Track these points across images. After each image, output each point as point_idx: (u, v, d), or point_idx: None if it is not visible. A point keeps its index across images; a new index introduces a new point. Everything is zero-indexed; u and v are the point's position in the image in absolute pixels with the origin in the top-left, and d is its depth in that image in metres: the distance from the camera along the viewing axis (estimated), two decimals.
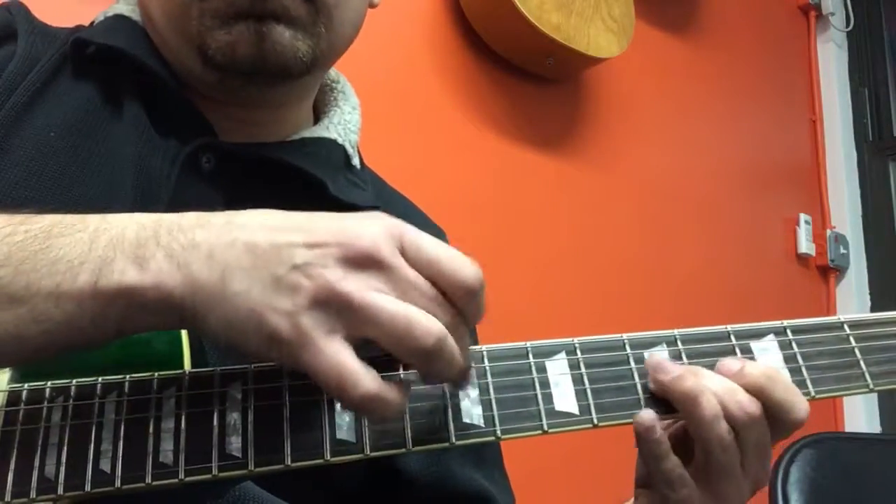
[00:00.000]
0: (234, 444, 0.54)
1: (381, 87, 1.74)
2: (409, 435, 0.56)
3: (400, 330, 0.49)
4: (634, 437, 0.63)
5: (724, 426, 0.60)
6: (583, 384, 0.60)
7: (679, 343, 0.64)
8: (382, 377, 0.50)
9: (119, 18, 0.81)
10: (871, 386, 0.66)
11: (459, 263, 0.52)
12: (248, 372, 0.56)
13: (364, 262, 0.50)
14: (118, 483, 0.52)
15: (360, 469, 0.74)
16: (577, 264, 2.07)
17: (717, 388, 0.61)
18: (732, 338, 0.66)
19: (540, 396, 0.59)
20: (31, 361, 0.52)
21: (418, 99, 1.88)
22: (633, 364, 0.63)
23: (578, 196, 2.13)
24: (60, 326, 0.49)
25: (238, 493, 0.61)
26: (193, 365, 0.58)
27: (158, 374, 0.56)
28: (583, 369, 0.61)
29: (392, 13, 1.77)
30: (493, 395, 0.58)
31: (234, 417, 0.54)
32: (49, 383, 0.55)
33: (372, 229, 0.51)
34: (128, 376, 0.55)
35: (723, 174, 2.54)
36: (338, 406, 0.56)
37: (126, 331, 0.51)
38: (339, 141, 0.84)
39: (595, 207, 2.16)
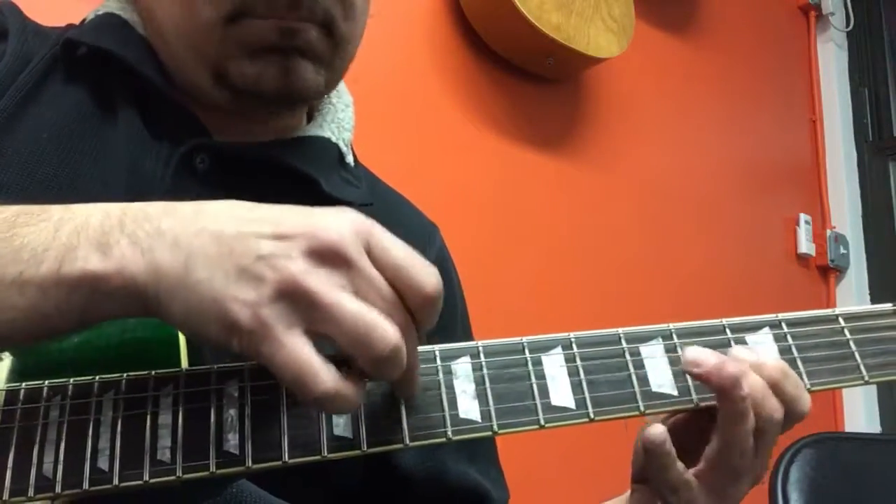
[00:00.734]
0: (232, 441, 0.54)
1: (381, 87, 1.75)
2: (406, 430, 0.56)
3: (359, 333, 0.49)
4: (643, 451, 0.63)
5: (775, 403, 0.62)
6: (579, 378, 0.61)
7: (674, 337, 0.64)
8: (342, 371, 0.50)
9: (109, 17, 0.80)
10: (867, 378, 0.67)
11: (421, 270, 0.52)
12: (244, 369, 0.56)
13: (329, 256, 0.50)
14: (116, 481, 0.52)
15: (357, 465, 0.74)
16: (577, 264, 2.07)
17: (753, 395, 0.61)
18: (728, 331, 0.66)
19: (536, 391, 0.59)
20: None
21: (418, 99, 1.88)
22: (628, 358, 0.63)
23: (578, 196, 2.13)
24: (24, 314, 0.49)
25: (235, 490, 0.62)
26: (190, 363, 0.58)
27: (155, 372, 0.56)
28: (579, 363, 0.61)
29: (392, 13, 1.77)
30: (489, 390, 0.58)
31: (231, 415, 0.54)
32: (46, 382, 0.55)
33: (340, 224, 0.51)
34: (125, 374, 0.55)
35: (723, 174, 2.54)
36: None
37: (90, 319, 0.51)
38: (333, 139, 0.84)
39: (595, 207, 2.16)
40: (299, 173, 0.77)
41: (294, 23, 0.72)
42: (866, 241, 2.86)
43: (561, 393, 0.60)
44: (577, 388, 0.60)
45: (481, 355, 0.60)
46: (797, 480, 1.33)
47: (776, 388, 0.62)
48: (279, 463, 0.54)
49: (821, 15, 3.01)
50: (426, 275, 0.52)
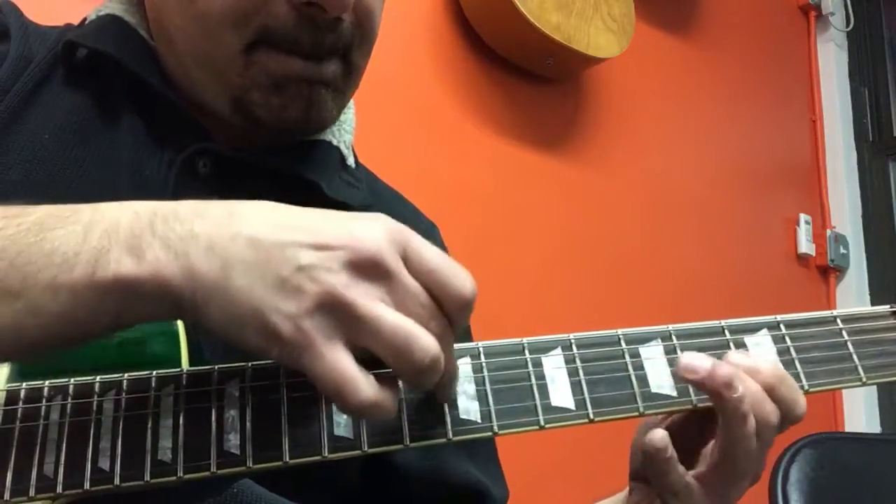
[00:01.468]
0: (233, 441, 0.54)
1: (381, 87, 1.74)
2: (407, 431, 0.56)
3: (399, 345, 0.49)
4: (643, 455, 0.63)
5: (771, 407, 0.62)
6: (578, 379, 0.61)
7: (674, 338, 0.65)
8: (374, 374, 0.50)
9: (111, 19, 0.79)
10: (864, 379, 0.67)
11: (457, 275, 0.52)
12: (245, 369, 0.56)
13: (368, 268, 0.50)
14: (117, 481, 0.52)
15: (356, 464, 0.74)
16: (577, 264, 2.07)
17: (750, 397, 0.62)
18: (727, 332, 0.66)
19: (536, 392, 0.59)
20: (29, 355, 0.52)
21: (418, 98, 1.88)
22: (628, 359, 0.63)
23: (578, 195, 2.13)
24: (58, 319, 0.49)
25: (236, 490, 0.62)
26: (191, 364, 0.58)
27: (156, 372, 0.56)
28: (578, 364, 0.61)
29: (392, 13, 1.77)
30: (489, 391, 0.59)
31: (232, 415, 0.55)
32: (47, 382, 0.55)
33: (377, 234, 0.51)
34: (126, 374, 0.55)
35: (723, 174, 2.54)
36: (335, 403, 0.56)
37: (123, 322, 0.51)
38: (335, 142, 0.84)
39: (594, 207, 2.16)
40: (301, 178, 0.77)
41: (317, 54, 0.72)
42: (866, 241, 2.86)
43: (561, 394, 0.60)
44: (576, 388, 0.60)
45: (482, 356, 0.60)
46: (797, 480, 1.33)
47: (772, 391, 0.63)
48: (280, 463, 0.54)
49: (821, 15, 3.01)
50: (462, 279, 0.52)
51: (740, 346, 0.66)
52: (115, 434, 0.53)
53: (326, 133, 0.83)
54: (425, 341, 0.49)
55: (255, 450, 0.54)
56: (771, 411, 0.62)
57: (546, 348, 0.62)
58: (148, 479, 0.52)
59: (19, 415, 0.54)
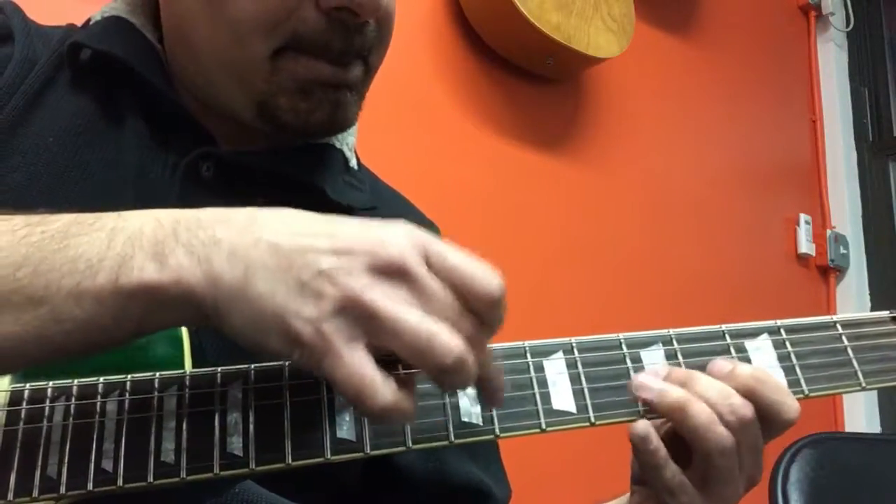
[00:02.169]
0: (236, 443, 0.54)
1: (381, 87, 1.73)
2: (409, 433, 0.56)
3: (421, 345, 0.49)
4: (631, 447, 0.63)
5: (721, 430, 0.61)
6: (580, 383, 0.61)
7: (675, 342, 0.65)
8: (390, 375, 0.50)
9: (116, 21, 0.79)
10: (864, 385, 0.67)
11: (482, 273, 0.52)
12: (248, 372, 0.56)
13: (390, 271, 0.50)
14: (120, 482, 0.52)
15: (358, 464, 0.74)
16: (577, 264, 2.07)
17: (709, 394, 0.61)
18: (727, 337, 0.67)
19: (538, 395, 0.60)
20: (51, 361, 0.52)
21: (418, 99, 1.88)
22: (629, 363, 0.63)
23: (578, 196, 2.13)
24: (81, 325, 0.49)
25: (238, 491, 0.62)
26: (194, 366, 0.58)
27: (160, 374, 0.56)
28: (580, 368, 0.62)
29: None
30: None
31: (235, 417, 0.55)
32: (51, 383, 0.55)
33: (398, 238, 0.51)
34: (129, 376, 0.56)
35: (723, 174, 2.54)
36: (338, 405, 0.56)
37: (146, 328, 0.51)
38: (338, 145, 0.84)
39: (594, 207, 2.16)
40: (304, 181, 0.77)
41: (345, 59, 0.73)
42: (866, 241, 2.86)
43: (562, 397, 0.60)
44: (578, 393, 0.61)
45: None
46: (797, 480, 1.33)
47: (752, 395, 0.62)
48: (282, 465, 0.54)
49: (821, 15, 3.01)
50: (487, 277, 0.52)
51: (741, 350, 0.66)
52: (118, 435, 0.53)
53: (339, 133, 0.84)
54: (448, 340, 0.49)
55: (258, 452, 0.54)
56: (722, 434, 0.61)
57: (548, 352, 0.62)
58: (151, 480, 0.53)
59: (23, 416, 0.54)
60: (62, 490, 0.52)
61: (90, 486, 0.52)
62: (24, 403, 0.54)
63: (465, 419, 0.58)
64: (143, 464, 0.53)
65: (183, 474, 0.53)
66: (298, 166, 0.78)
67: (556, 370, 0.61)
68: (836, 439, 1.48)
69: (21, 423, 0.53)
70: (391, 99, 1.79)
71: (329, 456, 0.55)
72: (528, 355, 0.61)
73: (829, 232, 2.77)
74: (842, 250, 2.77)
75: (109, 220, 0.52)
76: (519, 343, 0.62)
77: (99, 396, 0.55)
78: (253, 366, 0.56)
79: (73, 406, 0.54)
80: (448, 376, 0.50)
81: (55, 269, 0.49)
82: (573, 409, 0.60)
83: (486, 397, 0.57)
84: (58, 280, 0.49)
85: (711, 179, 2.50)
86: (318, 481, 0.67)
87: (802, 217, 2.74)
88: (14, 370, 0.54)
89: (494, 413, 0.58)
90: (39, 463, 0.52)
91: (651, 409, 0.62)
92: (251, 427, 0.54)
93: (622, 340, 0.64)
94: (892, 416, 2.64)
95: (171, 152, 0.74)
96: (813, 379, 0.66)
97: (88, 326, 0.49)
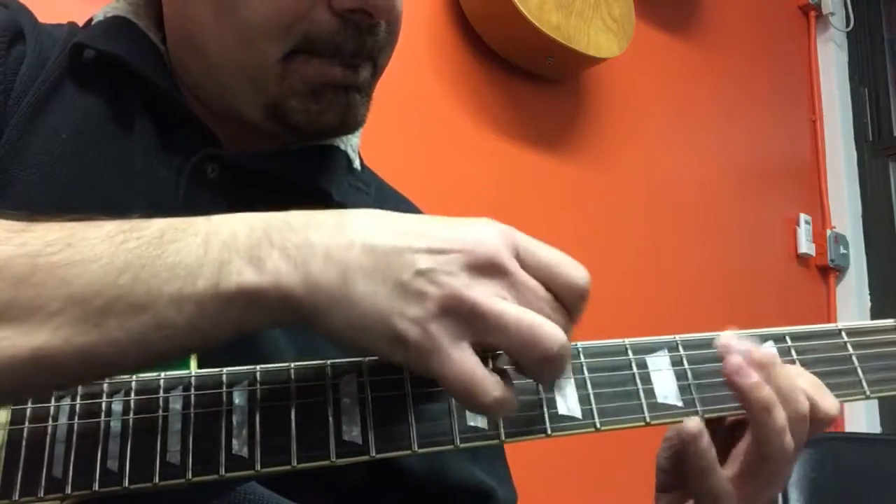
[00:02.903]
0: (241, 444, 0.54)
1: (381, 87, 1.74)
2: (415, 437, 0.56)
3: (526, 338, 0.50)
4: (682, 448, 0.63)
5: (789, 439, 0.62)
6: (586, 389, 0.61)
7: (680, 349, 0.65)
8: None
9: (120, 21, 0.79)
10: (868, 393, 0.68)
11: (571, 267, 0.54)
12: (254, 373, 0.56)
13: (487, 268, 0.51)
14: (126, 483, 0.52)
15: (363, 467, 0.74)
16: None
17: (785, 390, 0.62)
18: None
19: (544, 401, 0.60)
20: (151, 366, 0.52)
21: (418, 99, 1.88)
22: (635, 369, 0.63)
23: (578, 196, 2.13)
24: (182, 331, 0.49)
25: (242, 492, 0.62)
26: (199, 367, 0.58)
27: (165, 375, 0.56)
28: (586, 374, 0.62)
29: None
30: None
31: (240, 418, 0.55)
32: None
33: (490, 236, 0.53)
34: (135, 376, 0.55)
35: (723, 174, 2.55)
36: (343, 407, 0.56)
37: (244, 330, 0.52)
38: (342, 147, 0.84)
39: (594, 207, 2.16)
40: (309, 183, 0.77)
41: (356, 60, 0.73)
42: (866, 241, 2.86)
43: (568, 402, 0.60)
44: (584, 398, 0.61)
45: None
46: (797, 480, 1.33)
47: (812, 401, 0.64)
48: (288, 467, 0.54)
49: (821, 15, 3.01)
50: (577, 271, 0.54)
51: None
52: (123, 436, 0.53)
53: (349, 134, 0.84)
54: (552, 331, 0.50)
55: (264, 453, 0.54)
56: (801, 402, 0.62)
57: None
58: (157, 481, 0.52)
59: (28, 415, 0.54)
60: (68, 490, 0.52)
61: (96, 487, 0.52)
62: (30, 403, 0.54)
63: (470, 423, 0.58)
64: (149, 465, 0.53)
65: (189, 475, 0.53)
66: (303, 168, 0.78)
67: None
68: (836, 439, 1.48)
69: (26, 423, 0.53)
70: (391, 99, 1.78)
71: (335, 459, 0.55)
72: None
73: (829, 232, 2.77)
74: (842, 250, 2.77)
75: (202, 225, 0.52)
76: None
77: (104, 396, 0.55)
78: (259, 367, 0.56)
79: (78, 406, 0.54)
80: (550, 366, 0.52)
81: (156, 275, 0.49)
82: (579, 414, 0.60)
83: (548, 384, 0.58)
84: (159, 286, 0.49)
85: (711, 179, 2.50)
86: (319, 481, 0.67)
87: (802, 217, 2.74)
88: (113, 375, 0.54)
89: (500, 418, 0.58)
90: (45, 463, 0.52)
91: (738, 395, 0.62)
92: (257, 429, 0.54)
93: (628, 346, 0.64)
94: (892, 416, 2.64)
95: (176, 153, 0.74)
96: None
97: (189, 331, 0.49)
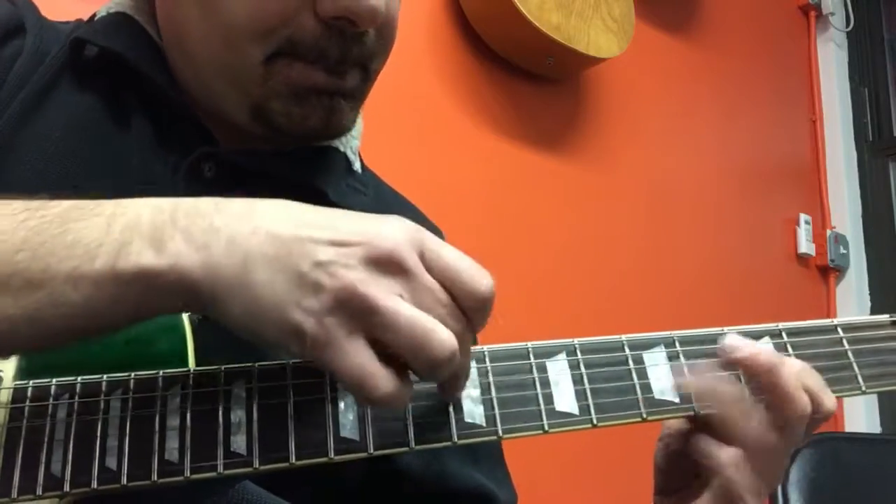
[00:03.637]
0: (239, 441, 0.54)
1: (381, 87, 1.74)
2: (412, 434, 0.56)
3: (417, 340, 0.49)
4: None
5: (804, 397, 0.63)
6: (583, 384, 0.61)
7: (677, 345, 0.65)
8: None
9: (120, 17, 0.79)
10: (864, 388, 0.68)
11: (475, 273, 0.53)
12: (252, 370, 0.56)
13: (386, 264, 0.51)
14: (124, 480, 0.52)
15: (361, 468, 0.74)
16: (577, 264, 2.08)
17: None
18: None
19: (541, 396, 0.60)
20: (46, 347, 0.52)
21: (418, 99, 1.88)
22: (631, 365, 0.63)
23: (578, 196, 2.13)
24: (78, 310, 0.49)
25: (239, 493, 0.62)
26: (198, 363, 0.58)
27: (163, 372, 0.56)
28: (583, 370, 0.62)
29: None
30: (494, 395, 0.59)
31: (238, 415, 0.55)
32: (54, 380, 0.55)
33: (395, 232, 0.52)
34: (133, 374, 0.56)
35: (723, 174, 2.55)
36: (341, 405, 0.56)
37: (143, 314, 0.51)
38: (341, 148, 0.83)
39: (594, 207, 2.16)
40: (305, 183, 0.77)
41: (341, 67, 0.72)
42: (866, 241, 2.86)
43: (565, 398, 0.60)
44: (580, 394, 0.61)
45: (486, 360, 0.60)
46: (797, 480, 1.33)
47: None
48: (286, 464, 0.54)
49: (821, 15, 3.01)
50: (480, 277, 0.53)
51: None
52: (122, 433, 0.53)
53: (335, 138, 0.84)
54: (443, 336, 0.50)
55: (262, 451, 0.54)
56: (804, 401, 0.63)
57: (550, 353, 0.62)
58: (155, 479, 0.52)
59: (26, 413, 0.54)
60: (66, 488, 0.52)
61: (94, 485, 0.52)
62: (28, 401, 0.54)
63: (468, 420, 0.58)
64: (147, 462, 0.53)
65: (187, 473, 0.53)
66: (300, 168, 0.78)
67: (558, 371, 0.61)
68: (836, 439, 1.48)
69: (24, 421, 0.53)
70: (391, 99, 1.79)
71: (332, 455, 0.55)
72: (532, 356, 0.61)
73: (829, 232, 2.77)
74: (842, 250, 2.77)
75: (109, 206, 0.52)
76: (522, 344, 0.62)
77: (103, 394, 0.55)
78: (257, 364, 0.56)
79: (76, 403, 0.54)
80: (438, 372, 0.51)
81: (53, 253, 0.49)
82: (575, 410, 0.60)
83: (447, 392, 0.57)
84: (56, 264, 0.49)
85: (711, 179, 2.50)
86: (319, 482, 0.67)
87: (802, 217, 2.74)
88: (8, 353, 0.54)
89: (497, 414, 0.58)
90: (43, 461, 0.52)
91: (745, 370, 0.63)
92: (255, 426, 0.54)
93: (625, 342, 0.64)
94: (892, 416, 2.64)
95: (173, 152, 0.74)
96: None
97: (85, 311, 0.49)
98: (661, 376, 0.63)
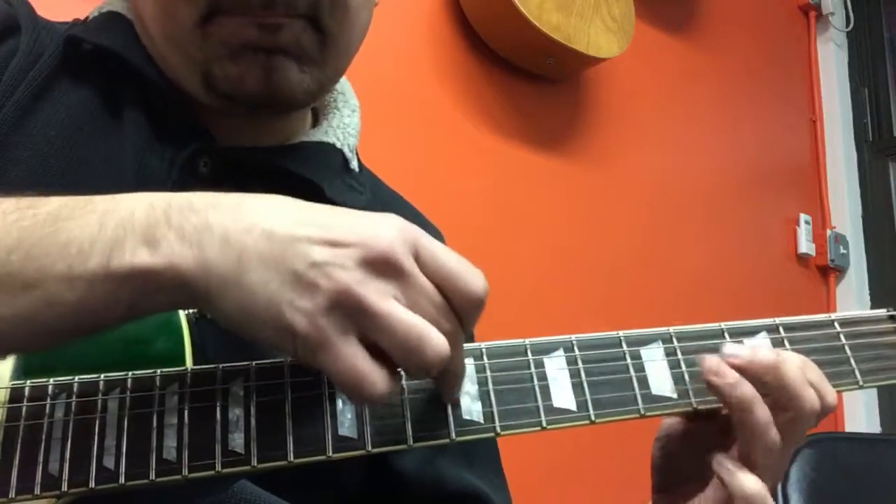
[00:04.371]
0: (237, 440, 0.54)
1: (381, 87, 1.75)
2: (410, 431, 0.56)
3: (410, 344, 0.50)
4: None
5: (773, 433, 0.61)
6: (580, 381, 0.61)
7: (674, 340, 0.65)
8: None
9: (113, 16, 0.80)
10: (861, 382, 0.68)
11: (469, 274, 0.53)
12: (250, 368, 0.56)
13: (382, 266, 0.50)
14: (122, 480, 0.52)
15: (359, 469, 0.74)
16: (577, 264, 2.08)
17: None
18: (726, 335, 0.67)
19: (538, 393, 0.60)
20: (43, 346, 0.52)
21: (418, 99, 1.88)
22: (629, 361, 0.63)
23: (578, 196, 2.13)
24: (73, 309, 0.49)
25: (237, 492, 0.62)
26: (195, 363, 0.58)
27: (161, 371, 0.56)
28: (580, 366, 0.62)
29: (392, 13, 1.77)
30: (492, 392, 0.59)
31: (236, 414, 0.55)
32: (51, 380, 0.55)
33: (390, 233, 0.52)
34: (130, 373, 0.55)
35: (723, 174, 2.55)
36: (339, 403, 0.56)
37: (137, 312, 0.51)
38: (338, 145, 0.83)
39: (594, 207, 2.16)
40: (302, 179, 0.77)
41: (273, 19, 0.70)
42: (866, 241, 2.86)
43: (562, 395, 0.60)
44: (578, 390, 0.61)
45: (484, 357, 0.60)
46: (797, 480, 1.33)
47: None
48: (284, 462, 0.54)
49: (821, 15, 3.01)
50: (474, 278, 0.53)
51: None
52: (119, 433, 0.53)
53: (329, 135, 0.83)
54: (437, 340, 0.50)
55: (260, 449, 0.54)
56: (812, 398, 0.62)
57: (548, 349, 0.62)
58: (153, 478, 0.52)
59: (24, 413, 0.54)
60: (64, 487, 0.52)
61: (92, 484, 0.52)
62: (25, 400, 0.54)
63: (466, 417, 0.58)
64: (145, 461, 0.53)
65: (185, 472, 0.53)
66: (296, 163, 0.78)
67: (556, 368, 0.61)
68: (836, 439, 1.48)
69: (22, 420, 0.53)
70: (391, 99, 1.79)
71: (331, 453, 0.55)
72: (529, 353, 0.61)
73: (829, 232, 2.77)
74: (842, 250, 2.77)
75: (101, 203, 0.52)
76: (520, 341, 0.62)
77: (100, 393, 0.55)
78: (254, 363, 0.56)
79: (74, 403, 0.54)
80: (430, 373, 0.52)
81: (47, 253, 0.49)
82: (573, 406, 0.60)
83: (446, 393, 0.57)
84: (50, 264, 0.49)
85: (711, 179, 2.50)
86: (317, 482, 0.67)
87: (802, 217, 2.74)
88: (4, 353, 0.54)
89: (495, 411, 0.58)
90: (41, 460, 0.52)
91: (749, 376, 0.61)
92: (253, 424, 0.54)
93: (622, 338, 0.64)
94: (892, 416, 2.64)
95: (168, 147, 0.74)
96: None
97: (80, 310, 0.49)
98: (659, 372, 0.63)
